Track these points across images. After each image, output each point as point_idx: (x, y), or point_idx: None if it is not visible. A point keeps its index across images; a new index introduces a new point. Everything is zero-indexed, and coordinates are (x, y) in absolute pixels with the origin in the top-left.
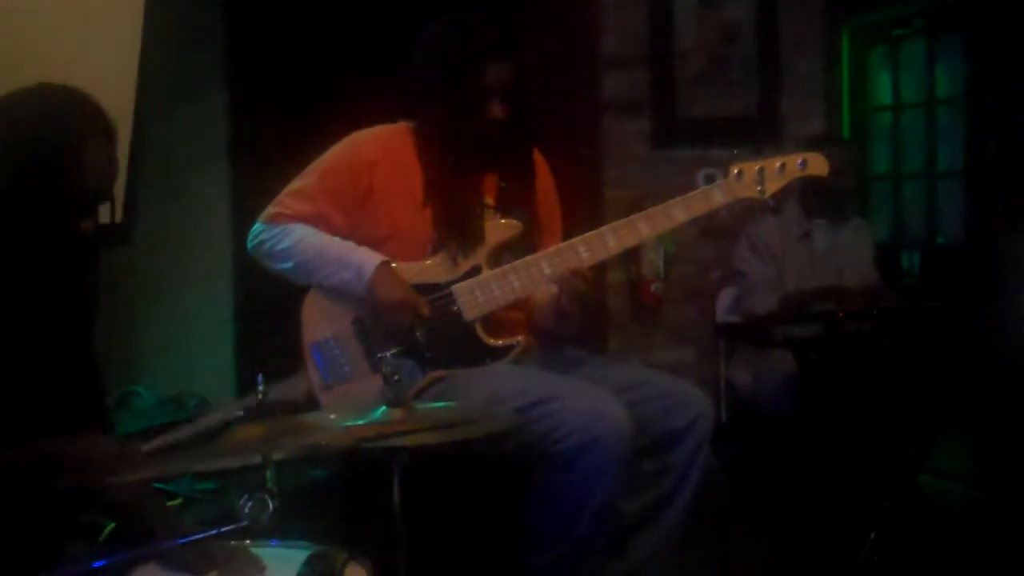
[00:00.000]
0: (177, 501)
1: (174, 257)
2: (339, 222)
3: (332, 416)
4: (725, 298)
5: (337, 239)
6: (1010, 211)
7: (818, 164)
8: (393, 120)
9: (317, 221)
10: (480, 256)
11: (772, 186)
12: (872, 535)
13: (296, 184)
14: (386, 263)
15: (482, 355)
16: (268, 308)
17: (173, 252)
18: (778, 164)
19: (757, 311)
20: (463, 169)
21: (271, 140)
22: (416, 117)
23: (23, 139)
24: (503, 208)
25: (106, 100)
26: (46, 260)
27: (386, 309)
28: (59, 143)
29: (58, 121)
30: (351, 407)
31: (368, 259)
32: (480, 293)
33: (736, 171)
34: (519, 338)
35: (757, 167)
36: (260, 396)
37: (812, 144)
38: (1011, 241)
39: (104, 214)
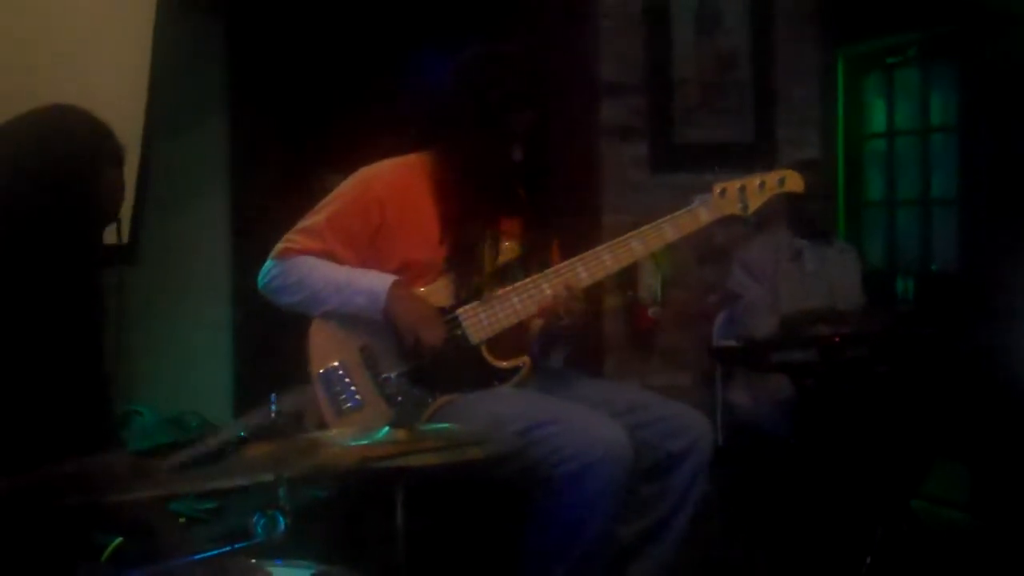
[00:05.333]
0: (181, 520)
1: (173, 277)
2: (349, 259)
3: (339, 436)
4: (722, 322)
5: (345, 267)
6: (1003, 238)
7: (795, 181)
8: (388, 145)
9: (326, 258)
10: (483, 280)
11: (754, 203)
12: (868, 560)
13: (306, 221)
14: (398, 283)
15: (488, 377)
16: (267, 328)
17: (172, 272)
18: (758, 182)
19: (756, 333)
20: (482, 202)
21: (270, 163)
22: (438, 148)
23: (41, 159)
24: (514, 240)
25: (118, 125)
26: (67, 279)
27: (408, 329)
28: (75, 165)
29: (74, 143)
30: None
31: (379, 282)
32: (484, 316)
33: (719, 190)
34: (524, 359)
35: (739, 185)
36: (273, 415)
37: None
38: (1005, 268)
39: (111, 234)
